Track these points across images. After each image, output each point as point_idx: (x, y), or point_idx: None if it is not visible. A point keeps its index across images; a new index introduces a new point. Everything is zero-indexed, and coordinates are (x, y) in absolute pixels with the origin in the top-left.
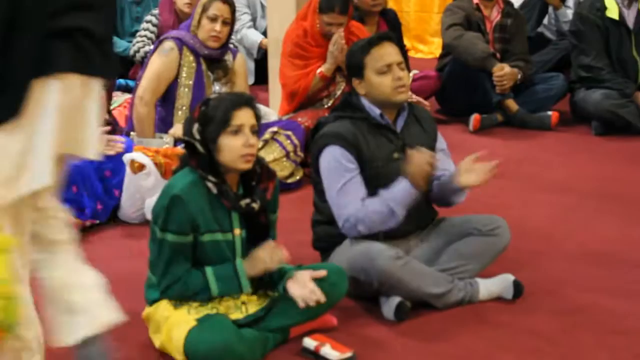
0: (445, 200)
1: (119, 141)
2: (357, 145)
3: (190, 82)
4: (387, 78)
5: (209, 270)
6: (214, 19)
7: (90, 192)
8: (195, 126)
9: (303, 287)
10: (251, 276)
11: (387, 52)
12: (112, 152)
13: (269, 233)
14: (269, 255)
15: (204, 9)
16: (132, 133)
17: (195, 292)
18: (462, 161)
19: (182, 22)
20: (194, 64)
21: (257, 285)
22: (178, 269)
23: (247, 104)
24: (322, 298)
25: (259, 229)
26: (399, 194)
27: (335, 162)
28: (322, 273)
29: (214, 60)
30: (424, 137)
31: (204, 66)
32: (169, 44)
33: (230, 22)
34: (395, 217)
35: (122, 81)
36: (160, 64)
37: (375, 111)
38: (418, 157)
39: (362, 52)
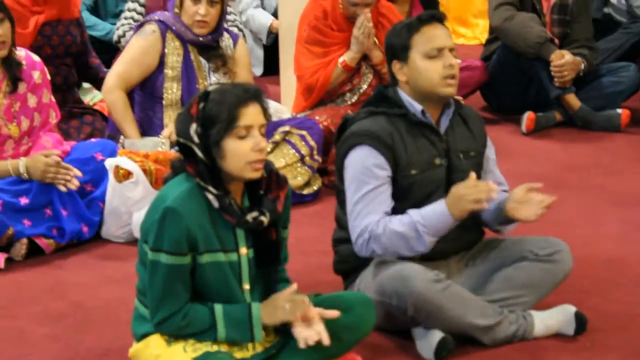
0: (490, 226)
1: (76, 174)
2: (393, 147)
3: (178, 74)
4: (436, 64)
5: (218, 310)
6: (196, 0)
7: (72, 212)
8: (194, 127)
9: (308, 327)
10: (267, 325)
11: (440, 34)
12: (63, 188)
13: (279, 252)
14: (291, 305)
15: None
16: (121, 137)
17: (198, 332)
18: (515, 189)
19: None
20: (180, 52)
21: None
22: (176, 299)
23: (255, 98)
24: (326, 341)
25: (269, 248)
26: (432, 218)
27: (363, 165)
28: (334, 313)
29: (206, 47)
30: (471, 141)
31: (192, 54)
32: (150, 27)
33: (219, 1)
34: (421, 244)
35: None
36: (137, 47)
37: (417, 107)
38: (476, 186)
39: (410, 30)
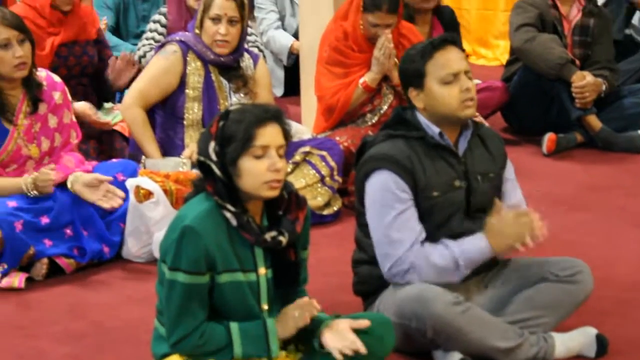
0: None
1: (119, 195)
2: (412, 171)
3: (199, 94)
4: (453, 89)
5: (234, 327)
6: (216, 19)
7: (93, 232)
8: (212, 145)
9: (342, 339)
10: (283, 338)
11: (453, 58)
12: (106, 206)
13: (298, 273)
14: (300, 311)
15: (205, 8)
16: (142, 157)
17: (215, 351)
18: (505, 213)
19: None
20: (201, 72)
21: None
22: (193, 319)
23: (274, 119)
24: (362, 349)
25: (287, 268)
26: (473, 252)
27: (385, 190)
28: (364, 323)
29: (227, 67)
30: (490, 162)
31: (213, 75)
32: (171, 47)
33: (239, 20)
34: (458, 276)
35: (125, 91)
36: (157, 66)
37: (434, 129)
38: (524, 222)
39: (423, 57)
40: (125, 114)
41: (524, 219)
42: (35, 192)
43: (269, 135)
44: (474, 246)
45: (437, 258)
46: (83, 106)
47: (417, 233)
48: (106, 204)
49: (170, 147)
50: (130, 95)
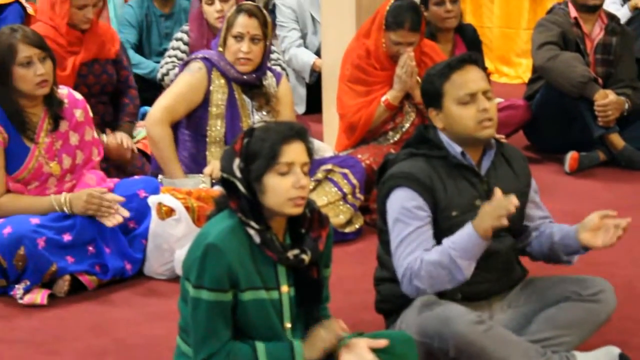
0: (556, 257)
1: (123, 214)
2: (432, 190)
3: (222, 111)
4: (470, 109)
5: (260, 347)
6: (239, 37)
7: (115, 249)
8: (236, 162)
9: (359, 358)
10: None
11: (471, 78)
12: (109, 224)
13: (321, 291)
14: (326, 330)
15: (229, 26)
16: (160, 176)
17: None
18: (589, 217)
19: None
20: (225, 90)
21: None
22: (218, 337)
23: (298, 136)
24: None
25: (310, 286)
26: (461, 240)
27: (403, 207)
28: (382, 342)
29: (250, 85)
30: (514, 181)
31: (237, 93)
32: (196, 64)
33: (262, 38)
34: (458, 270)
35: (147, 109)
36: (184, 83)
37: (456, 149)
38: (498, 202)
39: (441, 77)
40: (151, 130)
41: (503, 202)
42: (72, 210)
43: (294, 152)
44: (461, 232)
45: (431, 255)
46: (116, 144)
47: (425, 245)
48: (108, 222)
49: (192, 164)
50: (156, 111)
